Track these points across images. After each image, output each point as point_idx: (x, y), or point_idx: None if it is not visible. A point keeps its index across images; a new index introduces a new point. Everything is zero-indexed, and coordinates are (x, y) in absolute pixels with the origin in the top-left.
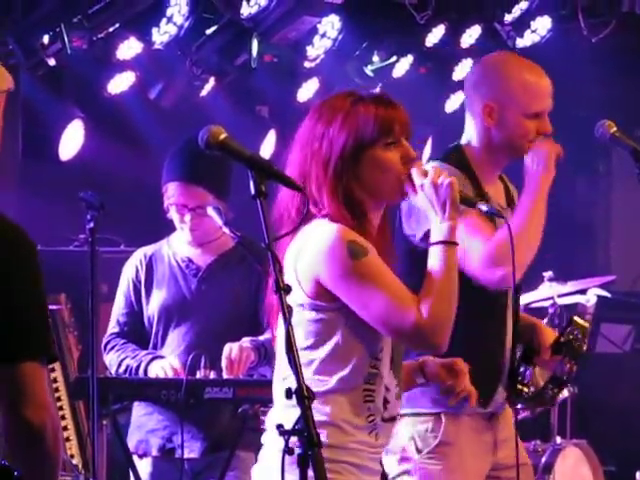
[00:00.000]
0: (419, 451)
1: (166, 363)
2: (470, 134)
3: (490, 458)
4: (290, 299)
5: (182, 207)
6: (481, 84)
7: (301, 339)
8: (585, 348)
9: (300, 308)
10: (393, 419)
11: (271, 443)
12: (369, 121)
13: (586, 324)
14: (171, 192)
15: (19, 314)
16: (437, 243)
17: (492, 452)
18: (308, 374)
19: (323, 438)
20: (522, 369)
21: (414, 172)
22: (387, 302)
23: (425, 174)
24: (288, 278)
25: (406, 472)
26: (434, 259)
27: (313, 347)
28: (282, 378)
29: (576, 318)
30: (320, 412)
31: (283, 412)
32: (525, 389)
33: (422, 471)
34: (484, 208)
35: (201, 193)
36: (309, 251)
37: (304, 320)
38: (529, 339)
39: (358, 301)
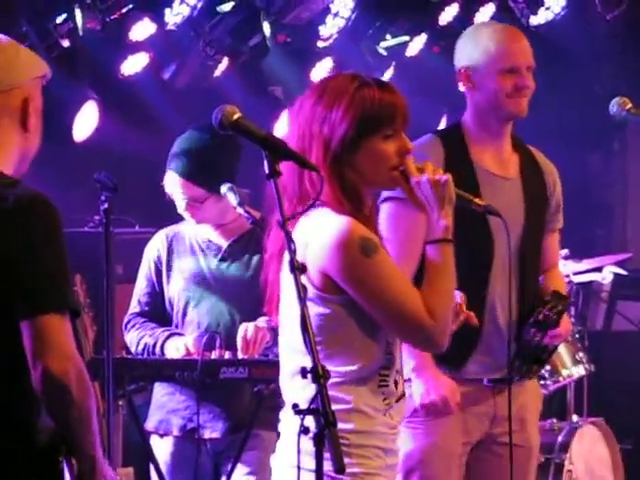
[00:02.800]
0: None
1: (181, 343)
2: (467, 110)
3: (483, 429)
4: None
5: (179, 194)
6: (457, 53)
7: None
8: (556, 320)
9: (310, 302)
10: (402, 397)
11: (287, 424)
12: (374, 107)
13: (564, 298)
14: (169, 180)
15: (38, 270)
16: (435, 242)
17: (488, 424)
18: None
19: (351, 425)
20: (529, 338)
21: (410, 167)
22: (398, 306)
23: (421, 170)
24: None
25: None
26: (434, 257)
27: (327, 342)
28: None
29: (554, 291)
30: (343, 402)
31: (297, 392)
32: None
33: (402, 433)
34: (481, 203)
35: (190, 187)
36: (318, 245)
37: (315, 314)
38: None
39: (368, 300)
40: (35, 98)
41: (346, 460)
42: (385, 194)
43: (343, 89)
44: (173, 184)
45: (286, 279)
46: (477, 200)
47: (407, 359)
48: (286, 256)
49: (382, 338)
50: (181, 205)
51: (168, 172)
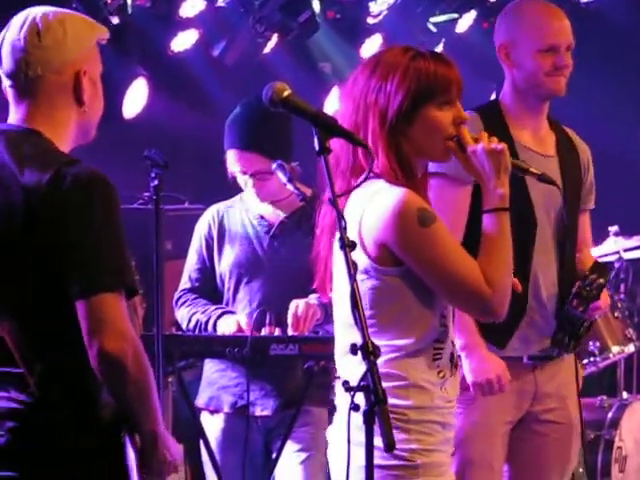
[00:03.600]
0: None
1: (233, 320)
2: (504, 87)
3: (525, 406)
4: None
5: (243, 173)
6: (497, 30)
7: (367, 308)
8: (597, 294)
9: (365, 275)
10: (456, 370)
11: (341, 399)
12: (429, 77)
13: (605, 270)
14: (230, 159)
15: (93, 249)
16: (492, 210)
17: (528, 402)
18: (380, 342)
19: (409, 402)
20: (572, 311)
21: (465, 136)
22: (457, 275)
23: (476, 140)
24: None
25: None
26: (491, 226)
27: (381, 315)
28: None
29: (598, 262)
30: (400, 378)
31: (350, 368)
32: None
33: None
34: (537, 172)
35: (257, 158)
36: (375, 216)
37: (369, 288)
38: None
39: (427, 270)
40: (90, 67)
41: (405, 436)
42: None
43: (397, 60)
44: (234, 162)
45: (338, 255)
46: (533, 169)
47: (456, 337)
48: (337, 233)
49: (437, 310)
50: (248, 182)
51: (228, 152)
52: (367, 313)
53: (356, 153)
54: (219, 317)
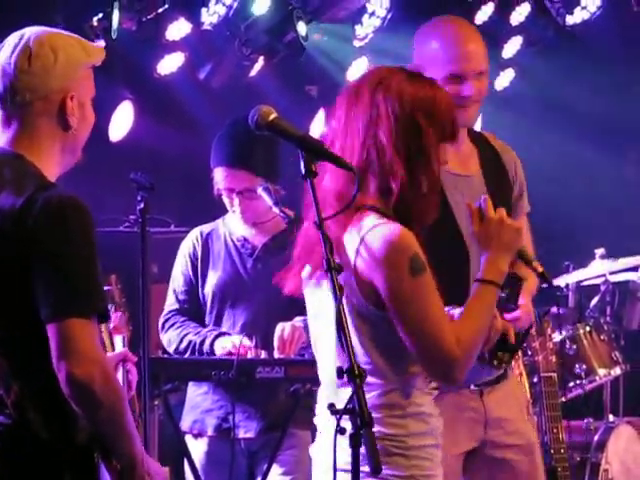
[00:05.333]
0: None
1: (229, 341)
2: None
3: (478, 435)
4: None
5: (230, 191)
6: (412, 50)
7: (363, 343)
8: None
9: (360, 314)
10: (436, 389)
11: (323, 423)
12: (449, 118)
13: (516, 281)
14: (218, 177)
15: (63, 274)
16: (488, 282)
17: (481, 430)
18: (372, 378)
19: (407, 430)
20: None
21: (489, 207)
22: (430, 331)
23: (493, 209)
24: (347, 276)
25: None
26: (480, 295)
27: (370, 351)
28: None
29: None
30: (397, 407)
31: (333, 393)
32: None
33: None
34: (539, 269)
35: (246, 176)
36: (370, 251)
37: (364, 324)
38: None
39: (405, 320)
40: (79, 91)
41: (405, 462)
42: None
43: (423, 95)
44: (222, 179)
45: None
46: (535, 263)
47: None
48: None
49: None
50: (235, 201)
51: (215, 170)
52: (363, 348)
53: (339, 180)
54: (216, 338)
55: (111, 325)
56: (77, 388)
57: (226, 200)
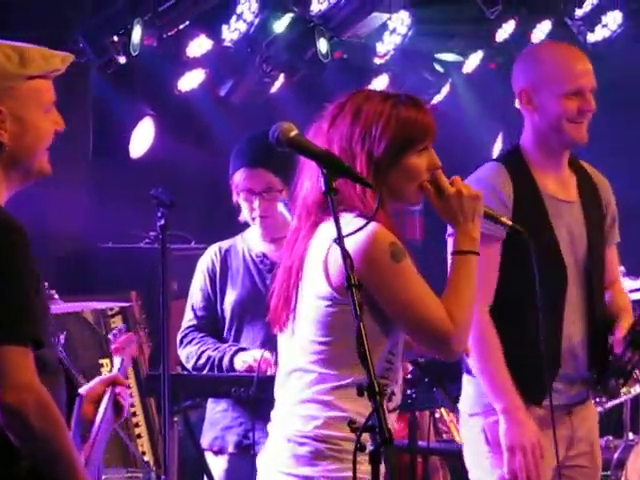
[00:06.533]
0: (490, 443)
1: (250, 356)
2: (525, 132)
3: (562, 451)
4: (310, 291)
5: (249, 193)
6: (517, 74)
7: (318, 333)
8: None
9: (321, 301)
10: (395, 410)
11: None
12: (411, 126)
13: None
14: (237, 179)
15: None
16: (464, 252)
17: (566, 447)
18: (324, 369)
19: (344, 433)
20: (611, 361)
21: (443, 181)
22: (425, 310)
23: (450, 184)
24: (313, 269)
25: (479, 464)
26: (460, 267)
27: (332, 342)
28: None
29: None
30: (339, 409)
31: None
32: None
33: (493, 461)
34: (508, 222)
35: (266, 175)
36: (347, 245)
37: (324, 314)
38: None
39: (396, 304)
40: (10, 105)
41: (338, 465)
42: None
43: (380, 109)
44: (242, 181)
45: (308, 288)
46: (504, 218)
47: (494, 399)
48: (307, 267)
49: (386, 346)
50: (254, 204)
51: (235, 174)
52: (320, 340)
53: (314, 192)
54: (235, 354)
55: (112, 346)
56: (9, 416)
57: (245, 205)
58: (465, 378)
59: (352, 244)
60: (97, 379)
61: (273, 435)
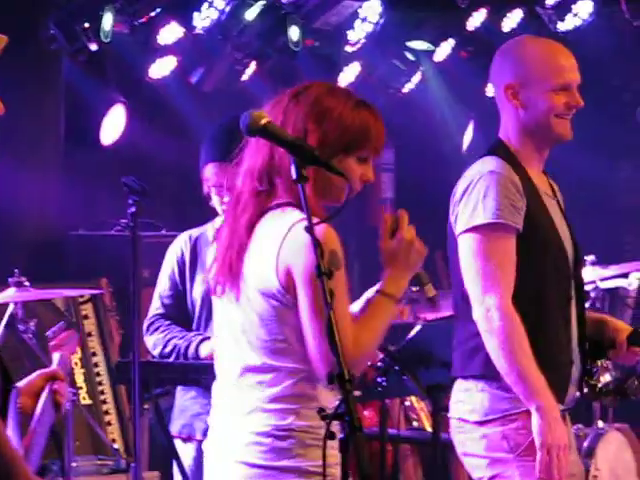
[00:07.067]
0: (513, 450)
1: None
2: (506, 127)
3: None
4: (255, 282)
5: (219, 188)
6: (501, 68)
7: (269, 332)
8: None
9: (269, 299)
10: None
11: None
12: (364, 130)
13: None
14: (208, 173)
15: None
16: (387, 295)
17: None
18: (279, 362)
19: (297, 421)
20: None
21: (403, 223)
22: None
23: (401, 227)
24: (261, 261)
25: (500, 474)
26: (379, 307)
27: (286, 340)
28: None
29: None
30: (309, 399)
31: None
32: (598, 384)
33: (521, 469)
34: (429, 294)
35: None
36: (295, 242)
37: (272, 313)
38: (597, 335)
39: (308, 307)
40: None
41: (303, 452)
42: (469, 224)
43: (341, 101)
44: (212, 175)
45: (253, 278)
46: (427, 287)
47: (530, 397)
48: (254, 250)
49: None
50: (224, 199)
51: (205, 168)
52: (273, 338)
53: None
54: (201, 342)
55: (51, 343)
56: None
57: (215, 198)
58: (471, 384)
59: (299, 238)
60: (36, 373)
61: (233, 431)
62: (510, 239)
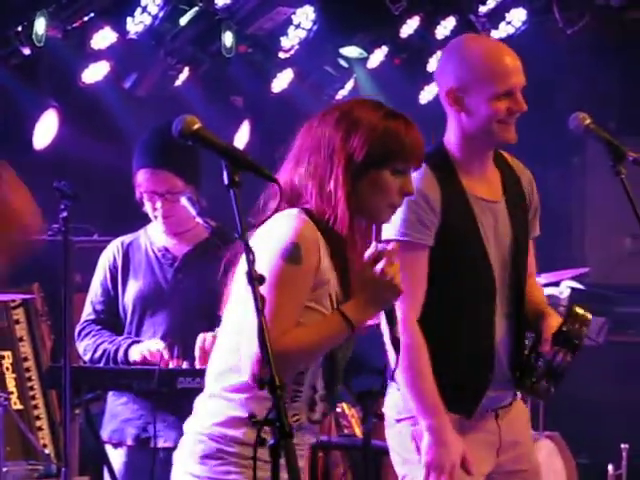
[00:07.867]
0: (419, 452)
1: (145, 347)
2: (449, 130)
3: (492, 459)
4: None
5: (152, 194)
6: (444, 71)
7: (231, 332)
8: (582, 340)
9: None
10: (319, 421)
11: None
12: (397, 140)
13: (587, 315)
14: (140, 179)
15: None
16: (344, 316)
17: (495, 453)
18: (243, 376)
19: (240, 435)
20: (533, 359)
21: (390, 257)
22: (269, 316)
23: (391, 263)
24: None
25: (407, 474)
26: (331, 323)
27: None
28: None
29: (576, 309)
30: (242, 408)
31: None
32: (531, 380)
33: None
34: (397, 335)
35: (169, 177)
36: (270, 224)
37: (236, 315)
38: (535, 329)
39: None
40: None
41: (225, 468)
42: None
43: (370, 114)
44: (144, 181)
45: (237, 287)
46: (395, 329)
47: (421, 417)
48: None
49: None
50: (156, 205)
51: (137, 174)
52: (231, 338)
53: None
54: (129, 346)
55: None
56: None
57: (148, 204)
58: (393, 385)
59: (278, 219)
60: None
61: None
62: (417, 255)
